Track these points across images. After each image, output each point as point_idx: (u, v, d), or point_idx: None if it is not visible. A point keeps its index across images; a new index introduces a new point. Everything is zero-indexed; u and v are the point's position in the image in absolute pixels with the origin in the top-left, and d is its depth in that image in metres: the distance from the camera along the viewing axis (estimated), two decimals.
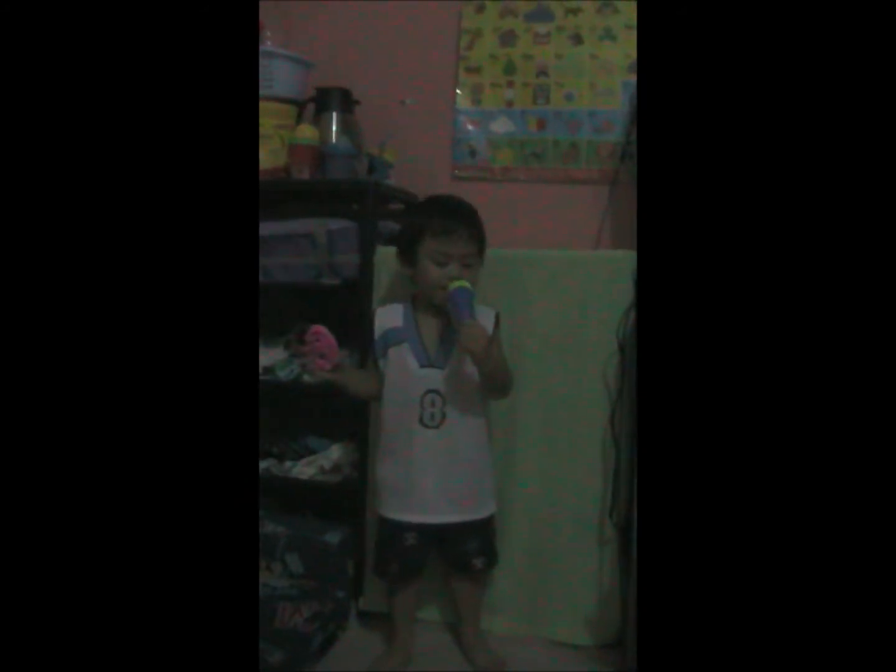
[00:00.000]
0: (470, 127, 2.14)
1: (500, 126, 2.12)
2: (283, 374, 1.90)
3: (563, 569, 1.75)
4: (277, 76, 2.00)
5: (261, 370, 1.88)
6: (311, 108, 2.06)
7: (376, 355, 1.65)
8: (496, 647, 1.71)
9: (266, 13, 1.87)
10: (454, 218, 1.57)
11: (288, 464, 1.92)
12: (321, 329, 1.56)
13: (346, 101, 2.04)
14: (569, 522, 1.74)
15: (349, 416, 1.86)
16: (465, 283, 1.53)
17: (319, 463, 1.90)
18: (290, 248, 1.86)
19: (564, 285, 1.72)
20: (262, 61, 1.96)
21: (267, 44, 2.05)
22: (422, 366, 1.59)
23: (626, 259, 1.69)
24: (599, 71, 2.06)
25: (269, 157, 1.93)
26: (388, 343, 1.62)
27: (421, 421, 1.58)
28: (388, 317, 1.65)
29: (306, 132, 1.96)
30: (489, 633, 1.76)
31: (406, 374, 1.59)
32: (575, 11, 2.07)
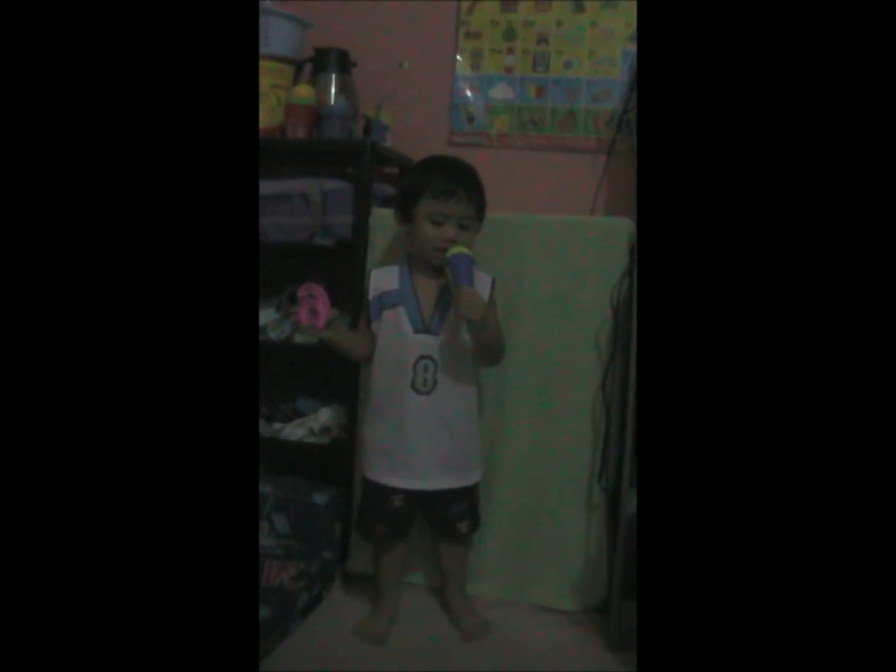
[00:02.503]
0: (468, 93, 2.12)
1: (499, 92, 2.10)
2: (274, 335, 1.89)
3: (550, 533, 1.75)
4: (273, 34, 1.97)
5: None
6: (308, 68, 2.04)
7: (370, 317, 1.63)
8: (483, 610, 1.72)
9: None
10: (455, 179, 1.55)
11: (277, 425, 1.92)
12: (316, 286, 1.54)
13: (343, 63, 2.02)
14: (557, 487, 1.74)
15: (340, 379, 1.85)
16: (465, 250, 1.50)
17: (309, 425, 1.90)
18: (285, 207, 1.85)
19: (559, 250, 1.71)
20: (259, 19, 1.93)
21: (264, 1, 2.02)
22: (416, 331, 1.57)
23: (621, 226, 1.69)
24: (600, 39, 2.04)
25: (266, 116, 1.92)
26: (384, 306, 1.60)
27: (413, 386, 1.57)
28: (384, 279, 1.63)
29: (303, 92, 1.93)
30: (476, 597, 1.76)
31: (400, 338, 1.58)
32: None
